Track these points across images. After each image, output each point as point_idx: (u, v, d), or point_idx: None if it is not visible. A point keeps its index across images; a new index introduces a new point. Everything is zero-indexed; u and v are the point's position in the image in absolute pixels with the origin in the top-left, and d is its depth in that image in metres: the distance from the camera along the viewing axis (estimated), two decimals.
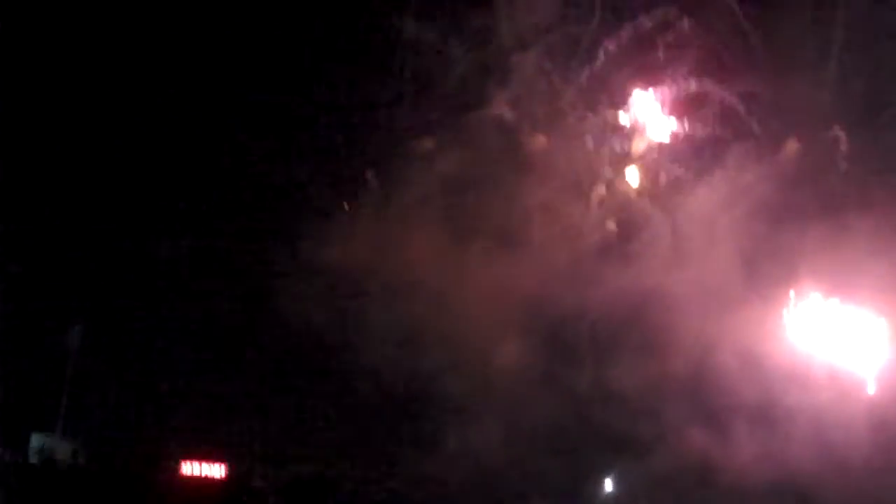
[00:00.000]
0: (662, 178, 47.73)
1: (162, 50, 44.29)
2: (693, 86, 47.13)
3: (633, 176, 47.88)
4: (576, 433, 44.49)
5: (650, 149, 47.87)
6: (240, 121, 45.31)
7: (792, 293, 45.96)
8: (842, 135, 46.62)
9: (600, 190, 47.63)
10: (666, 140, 47.70)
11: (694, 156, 47.52)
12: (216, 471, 40.88)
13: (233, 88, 45.05)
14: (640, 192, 47.71)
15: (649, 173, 47.85)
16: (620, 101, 47.66)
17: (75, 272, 43.03)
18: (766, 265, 45.80)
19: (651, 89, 47.46)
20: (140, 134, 44.00)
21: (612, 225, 47.40)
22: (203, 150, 44.71)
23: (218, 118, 44.80)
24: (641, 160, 47.89)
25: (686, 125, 47.42)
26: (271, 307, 43.66)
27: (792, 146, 47.19)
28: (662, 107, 47.50)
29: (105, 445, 41.53)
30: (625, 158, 47.84)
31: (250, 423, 42.77)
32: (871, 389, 45.55)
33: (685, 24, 46.57)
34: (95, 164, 43.82)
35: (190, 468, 40.84)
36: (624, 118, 47.72)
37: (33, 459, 40.70)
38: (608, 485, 45.75)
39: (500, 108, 47.69)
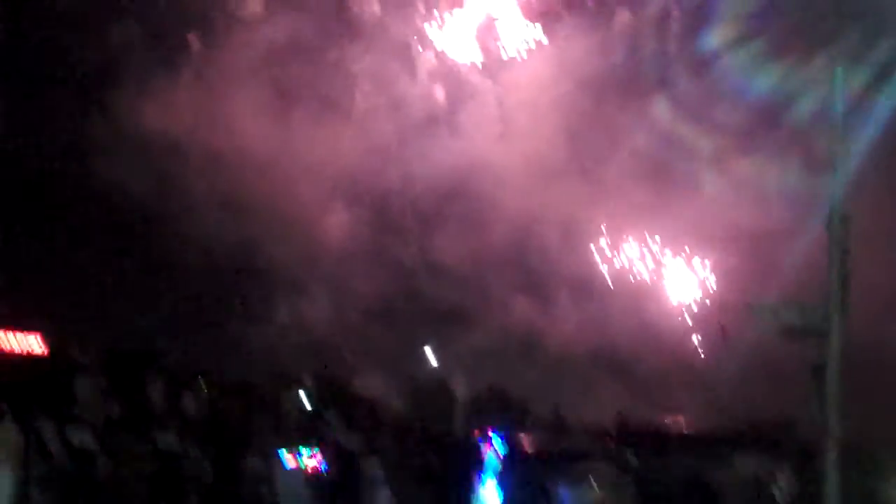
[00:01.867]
0: (493, 49, 47.50)
1: None
2: None
3: (463, 47, 47.50)
4: (404, 305, 44.86)
5: (483, 19, 47.48)
6: None
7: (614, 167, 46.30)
8: (674, 7, 46.97)
9: (429, 59, 47.24)
10: (499, 11, 47.32)
11: (526, 28, 47.33)
12: (34, 344, 39.68)
13: None
14: (469, 63, 47.45)
15: (480, 44, 47.52)
16: None
17: None
18: (592, 139, 46.18)
19: None
20: None
21: (439, 95, 47.17)
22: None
23: None
24: (473, 31, 47.49)
25: None
26: (89, 175, 42.24)
27: (623, 18, 47.30)
28: None
29: None
30: (456, 29, 47.40)
31: (69, 296, 41.62)
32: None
33: None
34: None
35: (6, 340, 39.46)
36: None
37: None
38: (431, 355, 46.41)
39: None
